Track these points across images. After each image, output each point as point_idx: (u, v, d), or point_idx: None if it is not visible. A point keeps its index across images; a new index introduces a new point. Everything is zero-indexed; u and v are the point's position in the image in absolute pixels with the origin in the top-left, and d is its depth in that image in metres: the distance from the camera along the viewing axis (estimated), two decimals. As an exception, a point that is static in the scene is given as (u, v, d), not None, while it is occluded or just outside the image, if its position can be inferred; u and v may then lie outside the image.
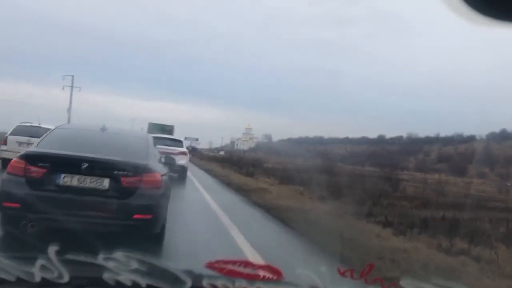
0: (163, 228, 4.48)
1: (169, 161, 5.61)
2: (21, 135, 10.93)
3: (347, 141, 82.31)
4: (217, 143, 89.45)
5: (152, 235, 4.25)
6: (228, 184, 13.84)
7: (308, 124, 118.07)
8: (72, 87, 38.34)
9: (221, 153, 61.19)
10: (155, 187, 4.16)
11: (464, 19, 0.89)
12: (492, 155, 54.24)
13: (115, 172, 4.00)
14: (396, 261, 4.37)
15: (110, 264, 0.95)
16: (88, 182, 3.98)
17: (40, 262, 0.95)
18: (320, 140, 79.72)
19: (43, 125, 10.96)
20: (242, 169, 21.05)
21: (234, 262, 0.99)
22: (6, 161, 8.61)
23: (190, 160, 18.42)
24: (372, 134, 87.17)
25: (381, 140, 79.67)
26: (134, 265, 0.96)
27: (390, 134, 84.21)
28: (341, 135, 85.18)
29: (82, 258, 0.97)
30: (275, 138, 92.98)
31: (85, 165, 3.98)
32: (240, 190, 11.74)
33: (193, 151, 38.91)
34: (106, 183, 3.99)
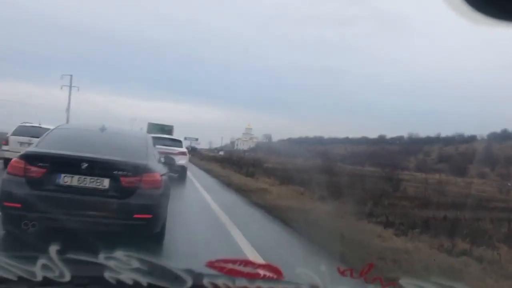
0: (163, 227, 4.49)
1: (168, 161, 5.61)
2: (22, 135, 11.08)
3: (347, 141, 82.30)
4: (217, 143, 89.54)
5: (152, 234, 4.27)
6: (228, 184, 13.84)
7: (308, 124, 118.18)
8: (70, 86, 38.38)
9: (221, 153, 61.18)
10: (155, 187, 4.17)
11: (465, 18, 0.89)
12: (493, 155, 54.22)
13: (115, 172, 4.01)
14: (397, 262, 4.36)
15: (111, 263, 0.96)
16: (88, 182, 3.99)
17: (41, 261, 0.95)
18: (320, 140, 79.73)
19: (43, 126, 11.03)
20: (242, 169, 21.05)
21: (234, 261, 1.00)
22: (7, 161, 8.63)
23: (190, 160, 18.42)
24: (373, 134, 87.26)
25: (381, 140, 79.63)
26: (135, 264, 0.96)
27: (390, 134, 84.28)
28: (341, 135, 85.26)
29: (83, 257, 0.98)
30: (275, 138, 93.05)
31: (85, 165, 3.99)
32: (240, 190, 11.74)
33: (192, 151, 38.92)
34: (106, 183, 4.00)
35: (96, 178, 3.99)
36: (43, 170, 3.98)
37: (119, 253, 0.97)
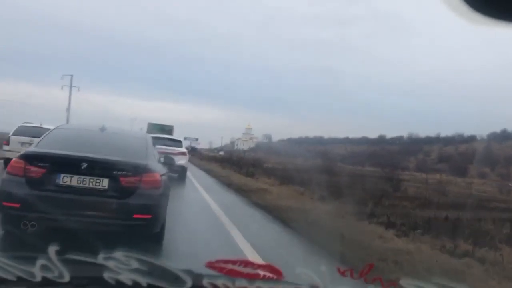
0: (162, 227, 4.49)
1: (168, 161, 5.61)
2: (23, 135, 11.22)
3: (347, 141, 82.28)
4: (217, 143, 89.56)
5: (152, 234, 4.27)
6: (228, 184, 13.84)
7: (308, 124, 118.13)
8: (71, 86, 38.40)
9: (221, 153, 61.18)
10: (155, 187, 4.17)
11: (464, 19, 0.89)
12: (493, 155, 54.23)
13: (115, 172, 4.01)
14: (399, 263, 4.34)
15: (111, 264, 0.95)
16: (88, 182, 3.98)
17: (40, 261, 0.95)
18: (320, 140, 79.71)
19: (44, 126, 11.09)
20: (242, 169, 21.05)
21: (234, 262, 0.99)
22: (8, 161, 8.66)
23: (190, 160, 18.43)
24: (372, 134, 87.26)
25: (381, 140, 79.62)
26: (135, 264, 0.96)
27: (390, 134, 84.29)
28: (341, 135, 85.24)
29: (82, 257, 0.97)
30: (275, 138, 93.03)
31: (85, 165, 3.99)
32: (240, 190, 11.74)
33: (192, 151, 38.92)
34: (105, 183, 4.00)
35: (95, 178, 3.99)
36: (42, 170, 3.97)
37: (118, 254, 0.97)
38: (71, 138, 4.82)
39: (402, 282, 0.94)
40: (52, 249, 0.96)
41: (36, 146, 4.52)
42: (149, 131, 20.84)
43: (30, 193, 3.87)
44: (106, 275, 0.95)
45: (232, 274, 0.98)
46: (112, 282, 0.95)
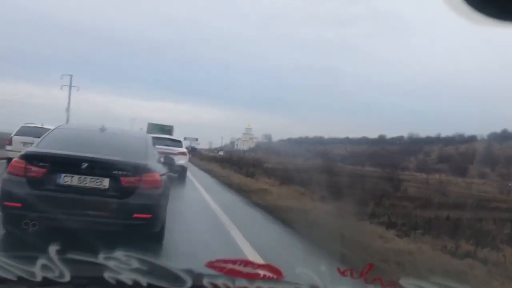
0: (162, 227, 4.50)
1: (168, 161, 5.62)
2: (25, 136, 11.40)
3: (347, 141, 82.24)
4: (217, 143, 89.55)
5: (152, 234, 4.27)
6: (228, 184, 13.84)
7: (308, 124, 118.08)
8: (70, 86, 38.39)
9: (221, 153, 61.16)
10: (154, 187, 4.17)
11: (465, 18, 0.89)
12: (493, 155, 54.20)
13: (115, 172, 4.01)
14: (401, 264, 4.32)
15: (111, 263, 0.95)
16: (88, 181, 3.99)
17: (41, 261, 0.95)
18: (320, 140, 79.67)
19: (45, 126, 11.19)
20: (242, 169, 21.04)
21: (234, 262, 1.00)
22: (11, 161, 8.76)
23: (190, 161, 18.43)
24: (373, 134, 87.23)
25: (381, 140, 79.58)
26: (135, 264, 0.96)
27: (390, 134, 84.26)
28: (341, 135, 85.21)
29: (83, 257, 0.98)
30: (275, 138, 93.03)
31: (85, 165, 3.99)
32: (240, 190, 11.73)
33: (192, 151, 38.91)
34: (106, 182, 4.01)
35: (96, 178, 4.00)
36: (43, 170, 3.98)
37: (119, 253, 0.97)
38: (71, 138, 4.82)
39: (402, 282, 0.94)
40: (53, 249, 0.96)
41: (36, 146, 4.53)
42: (149, 131, 20.84)
43: (31, 192, 3.88)
44: (107, 275, 0.95)
45: (232, 274, 0.98)
46: (113, 281, 0.95)
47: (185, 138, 28.37)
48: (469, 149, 60.96)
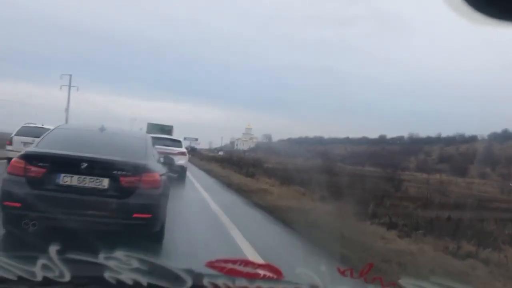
0: (162, 227, 4.51)
1: (168, 161, 5.62)
2: (25, 136, 11.48)
3: (347, 141, 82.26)
4: (217, 143, 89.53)
5: (152, 234, 4.28)
6: (228, 184, 13.84)
7: (308, 124, 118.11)
8: (69, 86, 38.35)
9: (220, 153, 61.11)
10: (154, 187, 4.18)
11: (465, 18, 0.89)
12: (494, 155, 54.20)
13: (115, 172, 4.01)
14: (402, 265, 4.29)
15: (111, 263, 0.95)
16: (88, 181, 3.99)
17: (41, 261, 0.95)
18: (320, 140, 79.69)
19: (46, 126, 11.24)
20: (242, 169, 21.04)
21: (234, 261, 1.00)
22: (11, 161, 8.82)
23: (190, 161, 18.42)
24: (373, 134, 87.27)
25: (381, 140, 79.59)
26: (135, 264, 0.96)
27: (391, 134, 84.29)
28: (341, 135, 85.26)
29: (83, 257, 0.98)
30: (275, 138, 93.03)
31: (85, 165, 3.99)
32: (240, 190, 11.73)
33: (192, 151, 38.90)
34: (105, 182, 4.01)
35: (95, 178, 4.00)
36: (43, 170, 3.98)
37: (119, 253, 0.97)
38: (71, 138, 4.82)
39: (402, 281, 0.94)
40: (53, 249, 0.96)
41: (36, 146, 4.53)
42: (148, 131, 20.85)
43: (30, 192, 3.88)
44: (107, 275, 0.95)
45: (232, 274, 0.98)
46: (113, 281, 0.95)
47: (185, 138, 28.37)
48: (470, 149, 60.95)
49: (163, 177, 4.52)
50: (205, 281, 0.97)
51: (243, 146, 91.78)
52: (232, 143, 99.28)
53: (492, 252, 5.36)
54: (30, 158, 4.08)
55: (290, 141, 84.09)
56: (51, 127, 5.26)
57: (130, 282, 0.95)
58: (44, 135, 4.81)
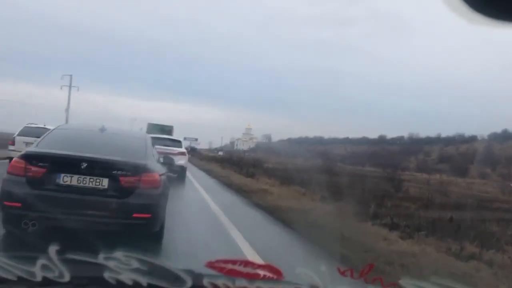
0: (162, 227, 4.52)
1: (168, 161, 5.62)
2: (27, 136, 11.59)
3: (347, 141, 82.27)
4: (217, 143, 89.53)
5: (151, 233, 4.28)
6: (228, 185, 13.84)
7: (308, 124, 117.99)
8: (70, 86, 38.40)
9: (220, 153, 61.09)
10: (154, 187, 4.18)
11: (464, 19, 0.89)
12: (494, 156, 54.18)
13: (114, 172, 4.02)
14: (405, 266, 4.26)
15: (111, 264, 0.95)
16: (88, 181, 4.00)
17: (41, 261, 0.95)
18: (320, 140, 79.69)
19: (47, 126, 11.33)
20: (242, 169, 21.04)
21: (234, 262, 0.99)
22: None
23: (190, 161, 18.44)
24: (373, 134, 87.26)
25: (381, 140, 79.58)
26: (135, 264, 0.96)
27: (390, 134, 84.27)
28: (341, 135, 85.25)
29: (83, 257, 0.97)
30: (275, 138, 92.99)
31: (85, 165, 4.00)
32: (240, 191, 11.73)
33: (192, 151, 38.93)
34: (105, 182, 4.01)
35: (95, 177, 4.00)
36: (43, 170, 3.99)
37: (118, 253, 0.97)
38: (71, 138, 4.83)
39: (402, 282, 0.94)
40: (53, 249, 0.96)
41: (36, 146, 4.53)
42: (149, 131, 20.85)
43: (30, 192, 3.89)
44: (107, 275, 0.95)
45: (232, 274, 0.98)
46: (113, 282, 0.95)
47: (185, 138, 28.40)
48: (470, 149, 60.95)
49: (163, 177, 4.53)
50: (205, 282, 0.97)
51: (243, 146, 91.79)
52: (232, 143, 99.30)
53: (495, 253, 5.32)
54: (30, 158, 4.08)
55: (290, 141, 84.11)
56: (53, 128, 5.28)
57: (130, 283, 0.95)
58: (44, 135, 4.81)
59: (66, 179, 3.99)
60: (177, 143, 14.31)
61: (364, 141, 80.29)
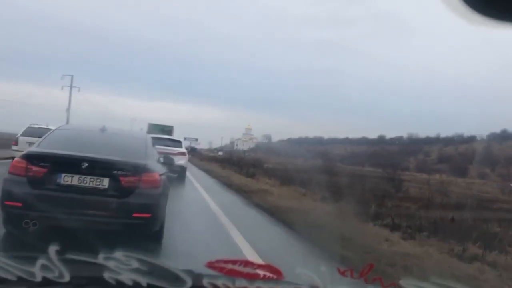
0: (162, 226, 4.53)
1: (168, 161, 5.62)
2: (30, 136, 11.87)
3: (347, 141, 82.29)
4: (217, 143, 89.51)
5: (151, 233, 4.29)
6: (229, 185, 13.84)
7: (308, 124, 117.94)
8: (71, 87, 38.42)
9: (220, 153, 61.07)
10: (154, 187, 4.19)
11: (464, 19, 0.89)
12: (493, 156, 54.19)
13: (115, 172, 4.03)
14: (408, 268, 4.22)
15: (111, 264, 0.95)
16: (88, 181, 4.00)
17: (41, 261, 0.95)
18: (320, 140, 79.74)
19: (50, 127, 11.40)
20: (242, 169, 21.05)
21: (234, 262, 0.99)
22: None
23: (190, 161, 18.44)
24: (372, 135, 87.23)
25: (381, 140, 79.57)
26: (135, 264, 0.96)
27: (390, 134, 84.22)
28: (341, 135, 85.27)
29: (82, 257, 0.97)
30: (275, 138, 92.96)
31: (85, 164, 4.01)
32: (240, 191, 11.73)
33: (192, 151, 38.92)
34: (105, 182, 4.02)
35: (96, 177, 4.01)
36: (44, 170, 4.00)
37: (118, 254, 0.97)
38: (72, 138, 4.84)
39: (402, 282, 0.94)
40: (52, 249, 0.96)
41: (37, 146, 4.54)
42: (149, 132, 20.88)
43: (31, 192, 3.89)
44: (106, 275, 0.95)
45: (232, 274, 0.98)
46: (112, 282, 0.95)
47: (185, 138, 28.42)
48: (469, 149, 60.96)
49: (163, 177, 4.54)
50: (205, 282, 0.97)
51: (243, 146, 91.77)
52: (232, 143, 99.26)
53: (498, 254, 5.28)
54: (31, 158, 4.09)
55: (290, 141, 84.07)
56: (55, 128, 5.30)
57: (129, 283, 0.95)
58: (46, 135, 4.83)
59: (67, 179, 3.99)
60: (177, 143, 14.32)
61: (364, 141, 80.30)
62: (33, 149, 4.59)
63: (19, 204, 3.90)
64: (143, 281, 0.96)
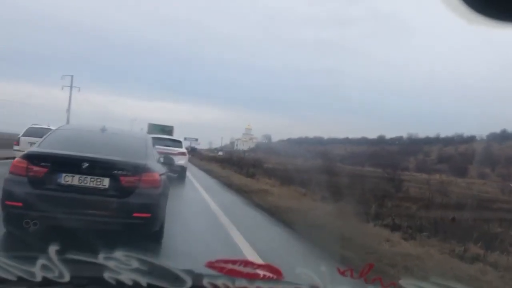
0: (162, 226, 4.53)
1: (168, 161, 5.63)
2: (32, 136, 11.95)
3: (347, 141, 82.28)
4: (217, 143, 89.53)
5: (151, 233, 4.30)
6: (229, 185, 13.84)
7: (308, 124, 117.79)
8: (71, 87, 38.43)
9: (220, 153, 61.08)
10: (154, 186, 4.20)
11: (464, 19, 0.89)
12: (493, 156, 54.19)
13: (115, 172, 4.03)
14: (409, 269, 4.21)
15: (111, 264, 0.95)
16: (89, 181, 4.01)
17: (41, 261, 0.95)
18: (320, 140, 79.72)
19: (51, 127, 11.41)
20: (242, 169, 21.05)
21: (234, 262, 0.99)
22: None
23: (190, 161, 18.45)
24: (372, 135, 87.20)
25: (381, 140, 79.53)
26: (135, 264, 0.96)
27: (390, 134, 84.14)
28: (341, 135, 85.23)
29: (82, 257, 0.97)
30: (275, 138, 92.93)
31: (86, 164, 4.01)
32: (240, 191, 11.73)
33: (192, 151, 38.95)
34: (106, 182, 4.02)
35: (96, 177, 4.01)
36: (44, 170, 4.00)
37: (118, 253, 0.97)
38: (72, 139, 4.85)
39: (402, 282, 0.94)
40: (53, 249, 0.96)
41: (38, 146, 4.54)
42: (149, 132, 20.91)
43: (32, 192, 3.90)
44: (107, 275, 0.95)
45: (232, 274, 0.98)
46: (113, 282, 0.95)
47: (185, 138, 28.44)
48: (469, 149, 60.95)
49: (163, 177, 4.54)
50: (205, 282, 0.97)
51: (243, 146, 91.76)
52: (232, 143, 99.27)
53: (500, 255, 5.25)
54: (32, 158, 4.10)
55: (290, 141, 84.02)
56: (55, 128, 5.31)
57: (129, 283, 0.95)
58: (46, 135, 4.84)
59: (67, 179, 4.00)
60: (178, 143, 14.34)
61: (364, 141, 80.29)
62: (34, 149, 4.60)
63: (20, 204, 3.91)
64: (143, 281, 0.96)
